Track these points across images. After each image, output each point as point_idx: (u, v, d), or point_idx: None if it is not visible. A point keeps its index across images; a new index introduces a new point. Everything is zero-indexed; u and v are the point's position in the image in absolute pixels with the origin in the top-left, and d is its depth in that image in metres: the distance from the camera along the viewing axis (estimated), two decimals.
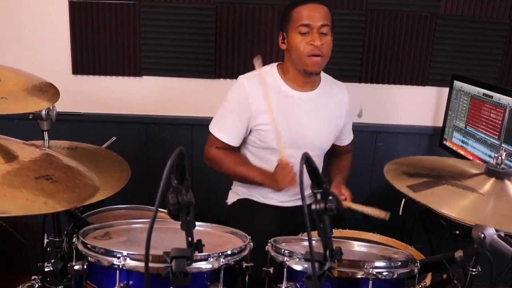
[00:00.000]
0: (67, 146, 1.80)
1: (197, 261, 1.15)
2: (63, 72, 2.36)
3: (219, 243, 1.34)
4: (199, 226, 1.37)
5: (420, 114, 2.51)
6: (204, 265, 1.18)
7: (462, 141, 2.22)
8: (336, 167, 2.09)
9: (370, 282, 1.22)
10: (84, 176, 1.27)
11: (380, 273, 1.23)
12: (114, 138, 2.02)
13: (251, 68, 1.89)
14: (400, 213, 2.01)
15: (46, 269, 1.44)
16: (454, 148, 2.28)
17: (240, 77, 1.89)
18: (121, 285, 1.16)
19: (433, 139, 2.48)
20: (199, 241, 1.05)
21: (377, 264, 1.24)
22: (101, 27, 2.31)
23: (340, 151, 2.12)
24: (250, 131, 1.89)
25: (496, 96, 1.98)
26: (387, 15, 2.35)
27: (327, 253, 1.08)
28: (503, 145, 1.93)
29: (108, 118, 2.41)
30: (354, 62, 2.41)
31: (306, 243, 1.23)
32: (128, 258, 1.15)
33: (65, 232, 1.53)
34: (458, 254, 1.33)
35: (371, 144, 2.51)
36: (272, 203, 1.94)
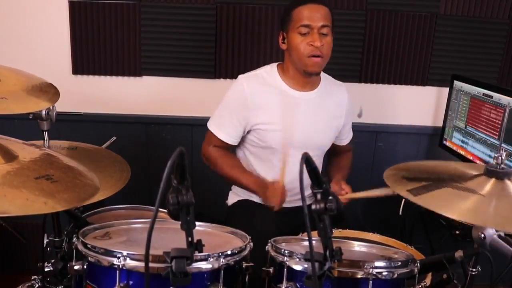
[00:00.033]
0: (67, 146, 1.80)
1: (197, 261, 1.15)
2: (63, 72, 2.36)
3: (219, 243, 1.34)
4: (199, 226, 1.37)
5: (420, 114, 2.51)
6: (204, 265, 1.18)
7: (462, 141, 2.22)
8: (336, 165, 2.09)
9: (370, 282, 1.22)
10: (84, 176, 1.26)
11: (380, 273, 1.23)
12: (114, 138, 2.02)
13: (251, 68, 1.89)
14: (400, 213, 2.02)
15: (46, 269, 1.44)
16: (454, 148, 2.28)
17: (240, 76, 1.89)
18: (121, 285, 1.16)
19: (433, 139, 2.48)
20: (199, 241, 1.05)
21: (377, 264, 1.24)
22: (101, 27, 2.31)
23: (340, 150, 2.12)
24: (249, 131, 1.90)
25: (496, 96, 1.98)
26: (387, 15, 2.35)
27: (327, 253, 1.08)
28: (503, 145, 1.93)
29: (108, 118, 2.41)
30: (354, 62, 2.41)
31: (306, 243, 1.23)
32: (128, 258, 1.15)
33: (65, 232, 1.53)
34: (458, 254, 1.33)
35: (371, 144, 2.51)
36: None
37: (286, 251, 1.29)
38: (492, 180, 1.26)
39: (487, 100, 2.04)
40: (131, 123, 2.42)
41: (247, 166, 1.97)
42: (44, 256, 1.52)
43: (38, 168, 1.19)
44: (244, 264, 1.30)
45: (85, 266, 1.21)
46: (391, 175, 1.36)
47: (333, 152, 2.10)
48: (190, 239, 1.03)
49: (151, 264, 1.09)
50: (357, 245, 1.47)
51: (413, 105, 2.50)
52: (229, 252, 1.24)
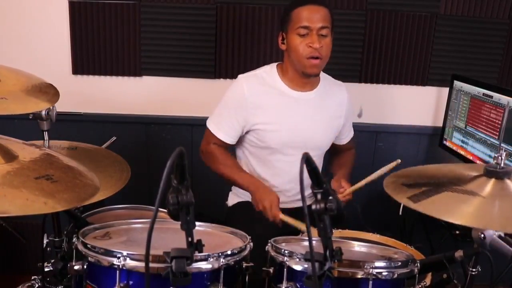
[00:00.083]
0: (67, 146, 1.80)
1: (197, 261, 1.15)
2: (63, 72, 2.36)
3: (219, 243, 1.34)
4: (199, 226, 1.37)
5: (420, 114, 2.51)
6: (204, 265, 1.18)
7: (462, 141, 2.22)
8: (336, 163, 2.09)
9: (370, 282, 1.22)
10: (84, 176, 1.26)
11: (380, 273, 1.23)
12: (114, 138, 2.02)
13: (251, 68, 1.89)
14: (400, 213, 2.01)
15: (46, 269, 1.43)
16: (454, 148, 2.28)
17: (240, 76, 1.89)
18: (121, 285, 1.16)
19: (433, 139, 2.48)
20: (199, 241, 1.05)
21: (377, 264, 1.24)
22: (101, 27, 2.31)
23: (341, 149, 2.12)
24: (249, 131, 1.89)
25: (496, 96, 1.98)
26: (387, 15, 2.35)
27: (327, 253, 1.08)
28: (503, 145, 1.93)
29: (108, 118, 2.41)
30: (354, 62, 2.41)
31: (306, 243, 1.23)
32: (128, 258, 1.15)
33: (65, 232, 1.52)
34: (458, 254, 1.33)
35: (371, 144, 2.51)
36: None
37: (286, 251, 1.29)
38: (492, 181, 1.25)
39: (487, 100, 2.04)
40: (131, 123, 2.42)
41: (246, 166, 1.97)
42: (44, 256, 1.52)
43: (38, 168, 1.19)
44: (244, 264, 1.30)
45: (85, 266, 1.21)
46: (391, 182, 1.35)
47: (334, 151, 2.10)
48: (190, 239, 1.03)
49: (151, 264, 1.09)
50: (357, 245, 1.46)
51: (413, 105, 2.50)
52: (229, 252, 1.24)
